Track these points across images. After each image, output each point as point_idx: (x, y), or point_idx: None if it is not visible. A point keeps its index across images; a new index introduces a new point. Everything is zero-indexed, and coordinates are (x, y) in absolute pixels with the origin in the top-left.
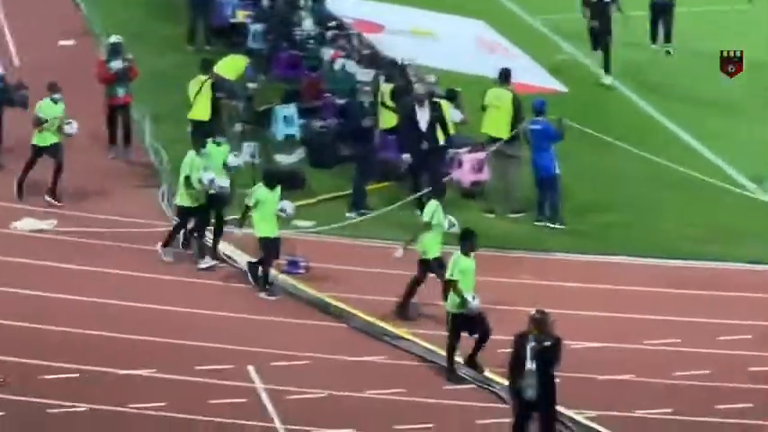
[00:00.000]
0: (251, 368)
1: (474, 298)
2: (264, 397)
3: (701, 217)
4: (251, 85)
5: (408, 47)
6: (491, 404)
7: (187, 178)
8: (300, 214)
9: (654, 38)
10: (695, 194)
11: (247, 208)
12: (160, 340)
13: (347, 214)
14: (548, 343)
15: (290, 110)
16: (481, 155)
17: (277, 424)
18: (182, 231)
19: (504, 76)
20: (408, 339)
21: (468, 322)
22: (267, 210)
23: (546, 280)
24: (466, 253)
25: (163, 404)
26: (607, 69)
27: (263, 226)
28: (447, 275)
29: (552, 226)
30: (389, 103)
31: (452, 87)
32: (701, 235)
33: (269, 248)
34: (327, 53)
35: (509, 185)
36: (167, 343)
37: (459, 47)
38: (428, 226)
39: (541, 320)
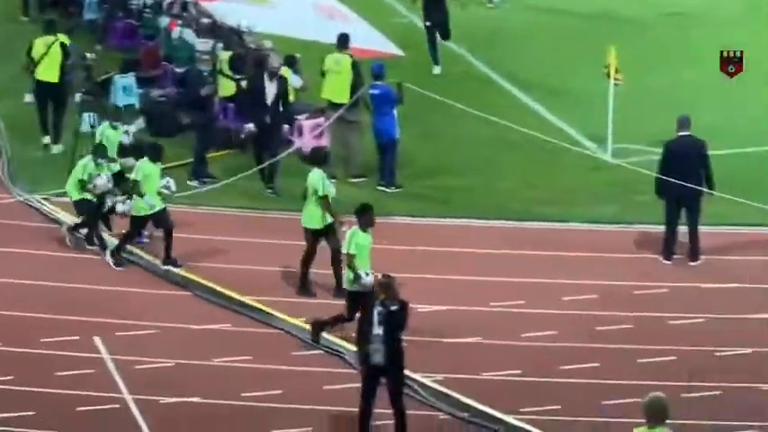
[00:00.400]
0: (97, 339)
1: (368, 274)
2: (111, 368)
3: (543, 178)
4: (89, 55)
5: (246, 14)
6: (339, 370)
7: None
8: None
9: None
10: (536, 155)
11: (135, 183)
12: (3, 313)
13: (188, 182)
14: (394, 307)
15: (129, 79)
16: (321, 120)
17: (125, 394)
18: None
19: (343, 41)
20: (255, 307)
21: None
22: (152, 184)
23: (390, 244)
24: (363, 228)
25: (8, 378)
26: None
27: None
28: (344, 250)
29: (389, 190)
30: (227, 71)
31: (291, 53)
32: (542, 196)
33: (159, 222)
34: (164, 22)
35: (350, 150)
36: (10, 316)
37: (296, 13)
38: (324, 198)
39: (387, 285)
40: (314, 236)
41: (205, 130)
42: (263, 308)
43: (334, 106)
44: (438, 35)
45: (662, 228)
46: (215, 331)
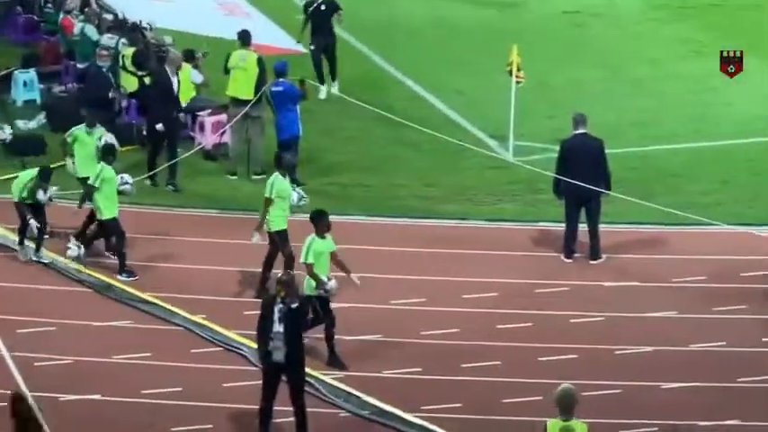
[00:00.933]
0: None
1: (329, 279)
2: (11, 364)
3: (443, 176)
4: None
5: (147, 9)
6: (239, 367)
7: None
8: None
9: None
10: (438, 154)
11: (92, 188)
12: None
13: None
14: (294, 305)
15: (30, 74)
16: (223, 117)
17: (25, 392)
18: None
19: (245, 37)
20: (154, 303)
21: (325, 304)
22: (111, 188)
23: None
24: (321, 235)
25: None
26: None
27: (108, 204)
28: (302, 259)
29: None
30: (131, 67)
31: (191, 48)
32: (442, 194)
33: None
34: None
35: (252, 147)
36: None
37: (197, 9)
38: (269, 201)
39: (288, 283)
40: (280, 238)
41: (107, 126)
42: (164, 305)
43: (239, 102)
44: (325, 59)
45: (563, 226)
46: (115, 328)
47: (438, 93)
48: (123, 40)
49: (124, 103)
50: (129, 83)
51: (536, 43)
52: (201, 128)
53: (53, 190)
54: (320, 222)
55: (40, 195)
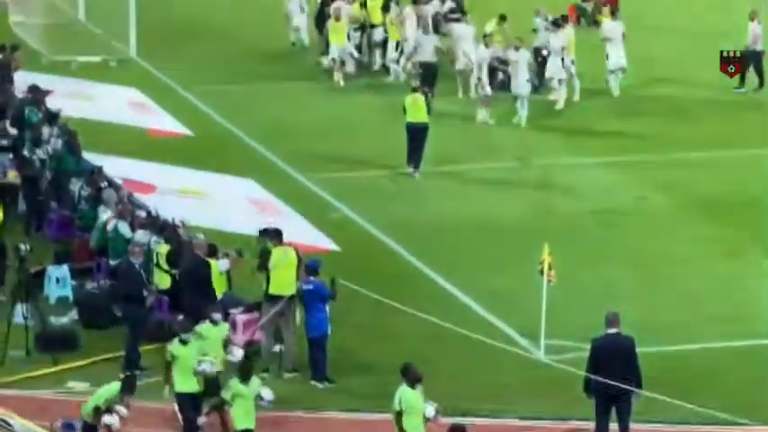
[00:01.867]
0: None
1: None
2: None
3: (476, 375)
4: (22, 246)
5: (180, 207)
6: None
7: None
8: (75, 375)
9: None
10: (470, 352)
11: (223, 401)
12: None
13: (120, 375)
14: None
15: (63, 271)
16: (255, 315)
17: None
18: None
19: (277, 235)
20: None
21: None
22: (247, 402)
23: None
24: (411, 385)
25: None
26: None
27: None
28: (393, 407)
29: (320, 385)
30: (164, 265)
31: (212, 242)
32: (475, 393)
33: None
34: (100, 214)
35: (283, 345)
36: None
37: (229, 206)
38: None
39: None
40: None
41: (138, 322)
42: None
43: (277, 299)
44: None
45: (593, 424)
46: None
47: (471, 291)
48: (155, 237)
49: (152, 299)
50: (162, 280)
51: (567, 242)
52: (234, 326)
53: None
54: (409, 373)
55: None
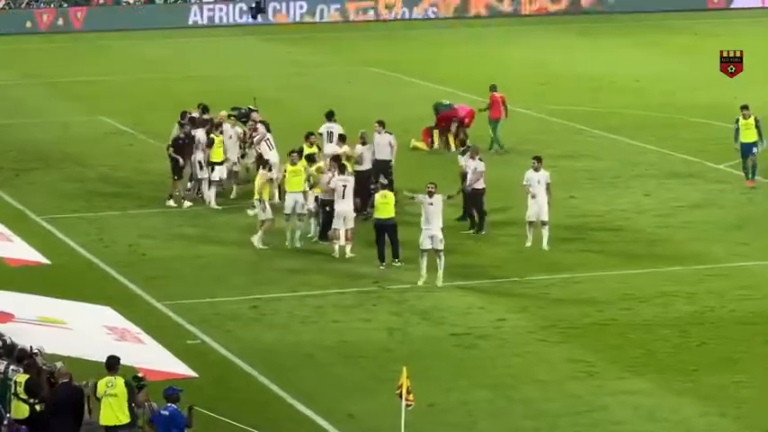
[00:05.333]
0: None
1: None
2: None
3: None
4: None
5: (38, 335)
6: None
7: None
8: None
9: None
10: None
11: None
12: None
13: None
14: None
15: None
16: None
17: None
18: None
19: (112, 363)
20: None
21: None
22: None
23: None
24: None
25: None
26: None
27: None
28: None
29: None
30: (23, 394)
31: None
32: None
33: None
34: None
35: None
36: None
37: (88, 334)
38: None
39: None
40: None
41: None
42: None
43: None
44: None
45: None
46: None
47: (329, 416)
48: (13, 366)
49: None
50: (20, 409)
51: (425, 365)
52: None
53: None
54: None
55: None
